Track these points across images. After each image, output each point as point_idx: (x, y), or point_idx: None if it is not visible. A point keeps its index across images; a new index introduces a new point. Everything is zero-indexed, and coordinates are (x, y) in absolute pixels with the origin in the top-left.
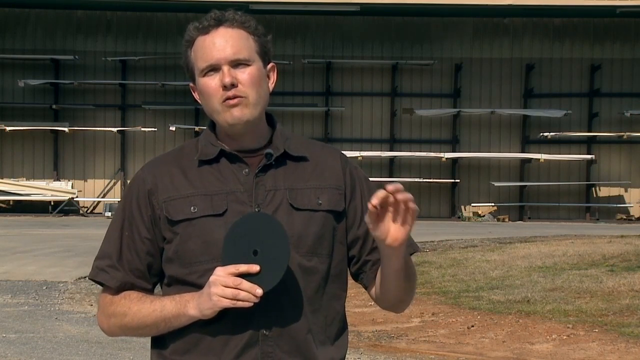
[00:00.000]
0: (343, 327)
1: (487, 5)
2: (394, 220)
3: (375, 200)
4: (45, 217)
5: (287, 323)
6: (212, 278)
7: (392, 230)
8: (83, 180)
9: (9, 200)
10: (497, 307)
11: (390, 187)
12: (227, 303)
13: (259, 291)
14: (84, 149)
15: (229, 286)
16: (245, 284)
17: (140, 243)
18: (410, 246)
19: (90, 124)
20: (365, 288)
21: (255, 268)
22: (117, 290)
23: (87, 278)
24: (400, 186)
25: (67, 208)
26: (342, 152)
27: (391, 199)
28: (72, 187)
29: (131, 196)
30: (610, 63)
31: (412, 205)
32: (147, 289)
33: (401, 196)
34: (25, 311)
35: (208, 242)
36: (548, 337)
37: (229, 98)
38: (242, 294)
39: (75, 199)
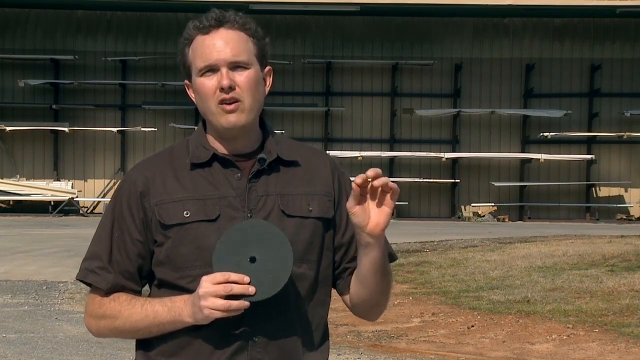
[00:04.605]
0: (326, 332)
1: (487, 5)
2: (375, 203)
3: (358, 179)
4: (45, 217)
5: (275, 329)
6: (200, 291)
7: (372, 216)
8: (83, 180)
9: (9, 200)
10: (497, 307)
11: (370, 173)
12: (219, 315)
13: (252, 289)
14: (84, 149)
15: (219, 296)
16: (237, 288)
17: (130, 245)
18: (389, 255)
19: (90, 124)
20: (341, 295)
21: (245, 279)
22: (107, 292)
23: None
24: (379, 171)
25: (67, 208)
26: (331, 156)
27: (370, 183)
28: (72, 187)
29: (122, 197)
30: (610, 63)
31: (391, 184)
32: (136, 291)
33: (378, 182)
34: (25, 311)
35: (201, 248)
36: (548, 337)
37: (225, 100)
38: (234, 305)
39: (75, 199)
